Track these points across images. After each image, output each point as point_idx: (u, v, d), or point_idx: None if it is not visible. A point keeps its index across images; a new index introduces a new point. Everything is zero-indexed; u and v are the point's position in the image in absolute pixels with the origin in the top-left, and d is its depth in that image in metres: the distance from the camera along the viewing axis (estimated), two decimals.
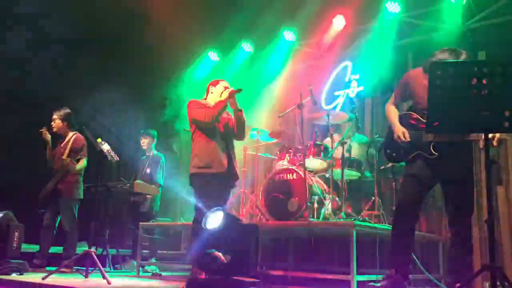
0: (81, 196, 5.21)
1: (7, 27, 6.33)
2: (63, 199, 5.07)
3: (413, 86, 3.38)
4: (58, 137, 5.37)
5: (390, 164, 5.13)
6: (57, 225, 5.18)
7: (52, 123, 5.33)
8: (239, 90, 4.06)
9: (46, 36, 6.41)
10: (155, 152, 6.15)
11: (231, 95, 4.03)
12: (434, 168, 3.20)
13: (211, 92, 4.26)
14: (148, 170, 5.94)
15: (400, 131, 3.31)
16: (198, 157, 4.00)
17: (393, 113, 3.47)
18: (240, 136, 4.26)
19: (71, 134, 5.32)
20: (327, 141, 5.32)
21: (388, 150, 3.44)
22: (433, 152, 3.15)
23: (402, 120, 3.39)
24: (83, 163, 5.22)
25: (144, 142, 6.14)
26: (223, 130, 4.14)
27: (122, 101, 6.40)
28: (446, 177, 3.21)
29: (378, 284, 3.10)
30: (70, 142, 5.23)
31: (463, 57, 3.20)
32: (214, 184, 3.95)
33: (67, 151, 5.17)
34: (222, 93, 4.11)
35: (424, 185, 3.23)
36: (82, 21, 6.57)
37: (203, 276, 3.40)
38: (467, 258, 3.14)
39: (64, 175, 5.08)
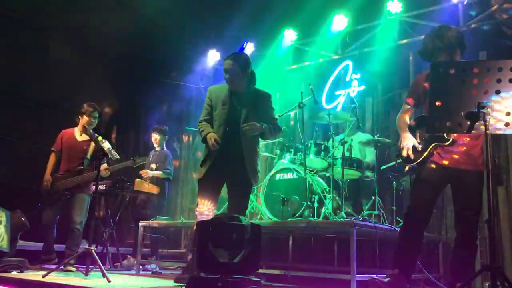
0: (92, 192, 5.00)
1: None
2: (79, 193, 4.89)
3: (419, 89, 3.36)
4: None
5: (390, 164, 5.14)
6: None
7: (92, 119, 5.02)
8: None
9: None
10: (164, 148, 6.16)
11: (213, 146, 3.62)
12: (446, 167, 3.16)
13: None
14: (154, 166, 5.94)
15: (404, 146, 3.23)
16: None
17: (402, 123, 3.38)
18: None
19: (92, 142, 4.98)
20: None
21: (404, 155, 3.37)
22: (446, 137, 3.12)
23: (419, 122, 3.33)
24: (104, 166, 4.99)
25: (156, 138, 6.13)
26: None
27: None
28: (455, 174, 3.16)
29: (385, 279, 3.08)
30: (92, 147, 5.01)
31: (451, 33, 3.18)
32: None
33: (89, 153, 5.01)
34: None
35: (436, 188, 3.20)
36: None
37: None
38: (470, 258, 3.11)
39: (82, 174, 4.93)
